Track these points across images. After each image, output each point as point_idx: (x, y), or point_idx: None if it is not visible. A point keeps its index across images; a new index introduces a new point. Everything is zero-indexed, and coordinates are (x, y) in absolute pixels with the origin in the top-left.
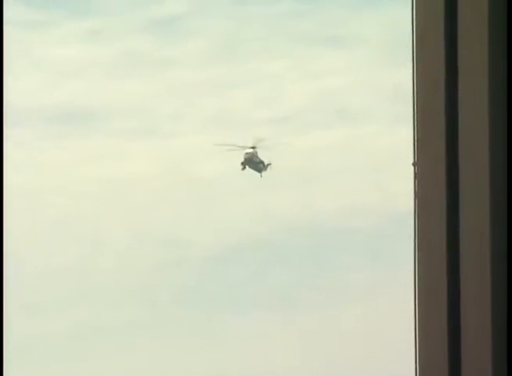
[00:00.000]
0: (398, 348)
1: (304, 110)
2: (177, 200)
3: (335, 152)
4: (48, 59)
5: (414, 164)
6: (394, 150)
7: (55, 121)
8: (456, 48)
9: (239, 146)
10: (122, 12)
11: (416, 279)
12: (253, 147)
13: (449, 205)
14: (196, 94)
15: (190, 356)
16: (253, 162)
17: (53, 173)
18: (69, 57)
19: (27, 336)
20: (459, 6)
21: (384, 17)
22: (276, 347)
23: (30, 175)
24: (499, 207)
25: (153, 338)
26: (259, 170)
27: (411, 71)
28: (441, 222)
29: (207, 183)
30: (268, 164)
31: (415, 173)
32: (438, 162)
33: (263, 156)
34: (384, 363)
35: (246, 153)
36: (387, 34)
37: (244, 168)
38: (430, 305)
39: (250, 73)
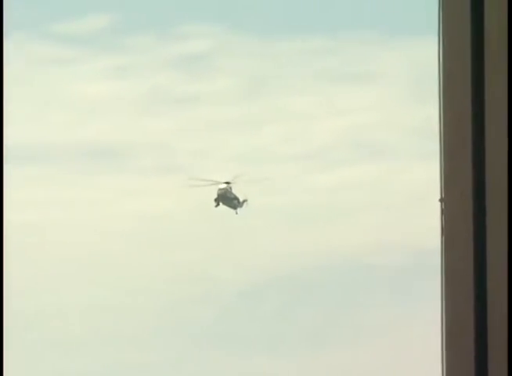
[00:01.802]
0: None
1: (331, 147)
2: (204, 236)
3: (361, 188)
4: (76, 95)
5: (441, 200)
6: (420, 186)
7: (83, 157)
8: (483, 86)
9: (213, 182)
10: (149, 49)
11: (443, 314)
12: (227, 182)
13: (476, 241)
14: (222, 131)
15: None
16: (227, 198)
17: (82, 210)
18: (97, 93)
19: (51, 371)
20: (485, 44)
21: (411, 54)
22: None
23: (59, 212)
24: None
25: (183, 374)
26: (233, 207)
27: (437, 108)
28: (469, 257)
29: (235, 220)
30: (244, 201)
31: (442, 209)
32: (465, 198)
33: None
34: None
35: (220, 189)
36: (414, 70)
37: (218, 204)
38: (457, 338)
39: (276, 110)
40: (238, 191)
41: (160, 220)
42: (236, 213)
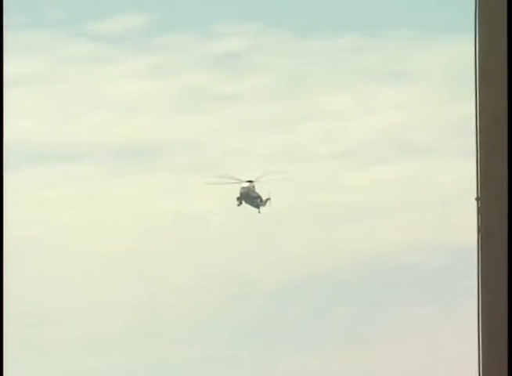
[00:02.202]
0: None
1: (367, 145)
2: (239, 235)
3: (397, 186)
4: (112, 94)
5: (477, 199)
6: (456, 185)
7: (119, 156)
8: None
9: (235, 180)
10: (185, 48)
11: (479, 311)
12: (250, 181)
13: None
14: (258, 129)
15: None
16: (249, 197)
17: (118, 208)
18: (133, 92)
19: (87, 372)
20: None
21: (447, 52)
22: None
23: (97, 210)
24: None
25: (219, 373)
26: (256, 205)
27: (473, 106)
28: (504, 255)
29: (269, 218)
30: (268, 199)
31: (478, 207)
32: (501, 196)
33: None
34: None
35: (243, 188)
36: (450, 69)
37: (240, 203)
38: (493, 336)
39: (312, 108)
40: (264, 189)
41: (194, 218)
42: (259, 212)
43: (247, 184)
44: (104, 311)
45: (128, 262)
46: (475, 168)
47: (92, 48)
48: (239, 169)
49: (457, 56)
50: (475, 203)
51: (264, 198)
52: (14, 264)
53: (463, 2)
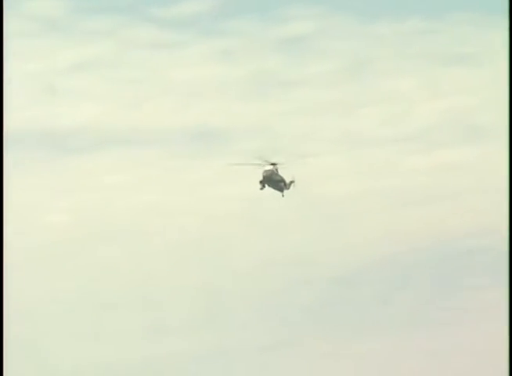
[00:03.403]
0: None
1: (431, 129)
2: (304, 219)
3: (463, 170)
4: (178, 79)
5: None
6: None
7: (186, 141)
8: None
9: (257, 164)
10: (251, 33)
11: None
12: (273, 164)
13: None
14: (324, 114)
15: None
16: (272, 180)
17: (184, 193)
18: (199, 77)
19: (154, 355)
20: None
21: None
22: (405, 367)
23: (161, 195)
24: None
25: (282, 358)
26: (280, 189)
27: None
28: None
29: (334, 203)
30: (292, 182)
31: None
32: None
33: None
34: None
35: (265, 171)
36: None
37: (263, 187)
38: None
39: (378, 92)
40: (288, 172)
41: (259, 203)
42: (283, 196)
43: (270, 167)
44: (169, 295)
45: (195, 248)
46: None
47: (159, 33)
48: (305, 152)
49: None
50: None
51: (288, 181)
52: (83, 247)
53: None
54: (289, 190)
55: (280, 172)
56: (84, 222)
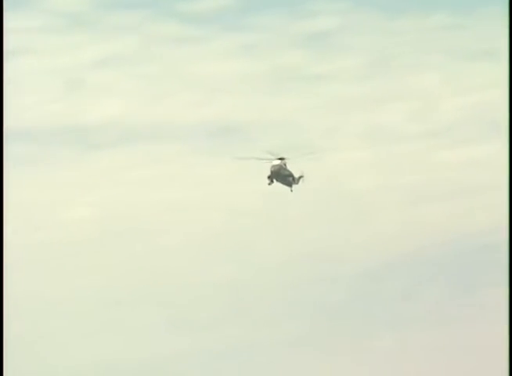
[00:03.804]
0: None
1: (456, 125)
2: (330, 214)
3: (488, 166)
4: (202, 75)
5: None
6: None
7: (209, 136)
8: None
9: (265, 158)
10: (275, 28)
11: None
12: (281, 158)
13: None
14: (348, 109)
15: (342, 374)
16: (280, 175)
17: (205, 188)
18: (222, 72)
19: (178, 350)
20: None
21: None
22: (427, 362)
23: (183, 191)
24: None
25: (306, 353)
26: (288, 184)
27: None
28: None
29: (360, 197)
30: (301, 177)
31: None
32: None
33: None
34: None
35: (273, 166)
36: None
37: (272, 181)
38: None
39: (403, 87)
40: (297, 167)
41: (282, 197)
42: (291, 191)
43: (278, 162)
44: (194, 291)
45: (213, 242)
46: None
47: (183, 28)
48: (329, 148)
49: None
50: None
51: (296, 176)
52: (106, 242)
53: None
54: (315, 185)
55: (289, 167)
56: (107, 218)
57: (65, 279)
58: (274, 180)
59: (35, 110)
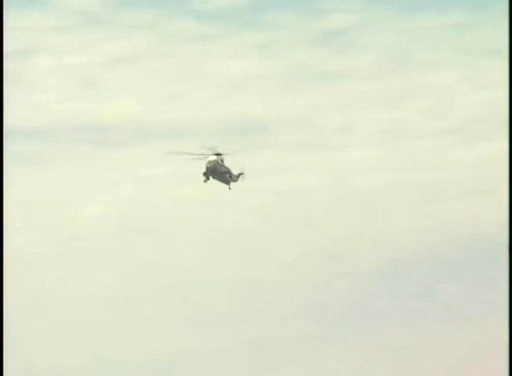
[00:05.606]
0: None
1: (472, 122)
2: (343, 212)
3: (503, 164)
4: (217, 72)
5: None
6: None
7: (224, 134)
8: None
9: (198, 154)
10: (291, 26)
11: None
12: (218, 154)
13: None
14: (365, 106)
15: (356, 371)
16: (217, 172)
17: (219, 185)
18: (238, 70)
19: (191, 348)
20: None
21: None
22: (444, 360)
23: (199, 188)
24: None
25: (319, 351)
26: (226, 181)
27: None
28: None
29: (375, 194)
30: (240, 174)
31: None
32: None
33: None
34: None
35: (209, 162)
36: None
37: (207, 179)
38: None
39: (419, 84)
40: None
41: (297, 195)
42: (229, 188)
43: (214, 157)
44: (207, 288)
45: (228, 239)
46: None
47: (199, 26)
48: (345, 146)
49: None
50: None
51: (236, 173)
52: (121, 239)
53: None
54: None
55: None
56: (123, 215)
57: (79, 276)
58: (210, 177)
59: (50, 109)
